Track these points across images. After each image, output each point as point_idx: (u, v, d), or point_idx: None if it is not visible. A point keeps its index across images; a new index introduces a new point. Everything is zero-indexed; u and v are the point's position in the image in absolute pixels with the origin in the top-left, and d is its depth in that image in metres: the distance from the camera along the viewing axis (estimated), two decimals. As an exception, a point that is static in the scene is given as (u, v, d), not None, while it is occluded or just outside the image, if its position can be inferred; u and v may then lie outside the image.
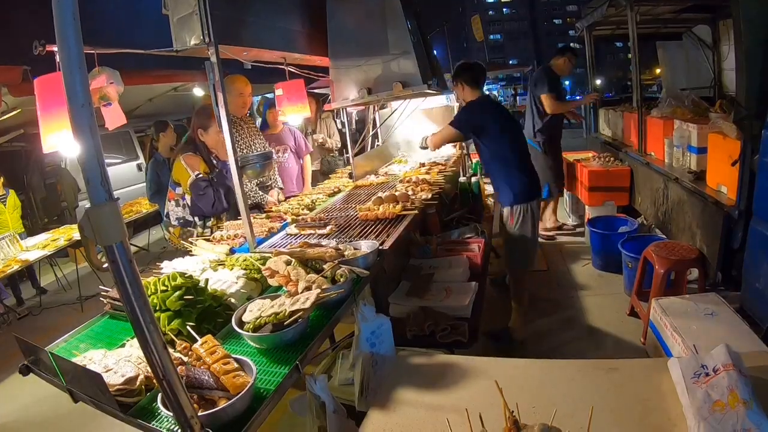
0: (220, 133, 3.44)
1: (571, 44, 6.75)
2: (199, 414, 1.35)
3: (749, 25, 3.18)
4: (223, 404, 1.43)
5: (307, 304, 1.82)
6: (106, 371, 1.63)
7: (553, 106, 5.95)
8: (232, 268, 2.48)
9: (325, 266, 2.23)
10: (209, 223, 3.64)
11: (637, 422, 1.55)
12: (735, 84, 3.60)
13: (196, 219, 3.62)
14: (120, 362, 1.71)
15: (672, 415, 1.55)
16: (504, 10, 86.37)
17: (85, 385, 1.63)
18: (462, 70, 4.03)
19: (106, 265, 1.29)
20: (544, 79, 6.00)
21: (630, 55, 5.89)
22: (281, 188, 4.81)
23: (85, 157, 1.12)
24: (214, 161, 3.62)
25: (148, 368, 1.28)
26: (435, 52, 5.46)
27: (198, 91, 6.03)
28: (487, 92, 4.48)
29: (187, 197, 3.57)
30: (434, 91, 3.63)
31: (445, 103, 6.09)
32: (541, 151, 6.16)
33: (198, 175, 3.46)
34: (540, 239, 6.54)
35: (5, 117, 6.20)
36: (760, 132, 3.08)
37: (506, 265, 4.34)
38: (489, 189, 5.26)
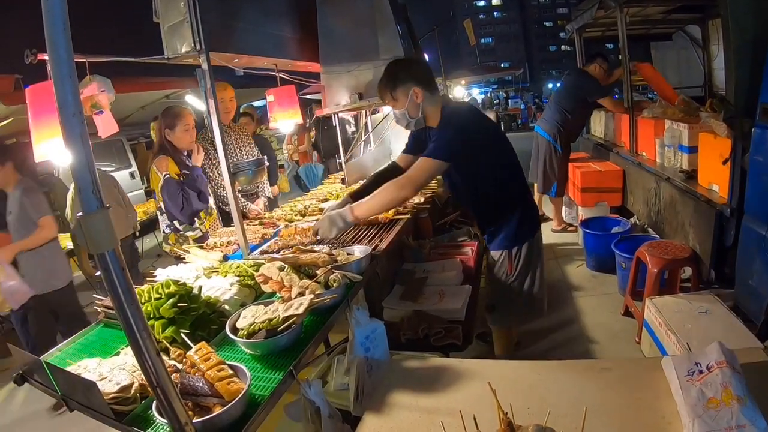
0: (186, 131, 3.44)
1: (563, 47, 6.81)
2: (194, 421, 1.35)
3: (737, 24, 3.20)
4: (217, 411, 1.43)
5: (301, 310, 1.82)
6: (101, 379, 1.63)
7: (616, 106, 6.08)
8: (225, 275, 2.47)
9: (318, 272, 2.23)
10: (197, 224, 3.61)
11: (632, 421, 1.55)
12: (724, 83, 3.62)
13: (176, 223, 3.57)
14: (114, 370, 1.70)
15: (666, 413, 1.55)
16: (495, 13, 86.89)
17: (79, 394, 1.62)
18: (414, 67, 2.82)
19: (98, 273, 1.30)
20: (593, 83, 6.02)
21: (621, 56, 5.91)
22: (269, 197, 4.77)
23: (76, 165, 1.12)
24: (188, 163, 3.58)
25: (143, 376, 1.29)
26: (426, 56, 5.46)
27: (191, 99, 6.01)
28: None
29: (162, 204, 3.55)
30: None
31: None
32: (560, 152, 6.21)
33: (166, 175, 3.39)
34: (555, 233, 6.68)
35: (-2, 126, 6.17)
36: (750, 130, 3.10)
37: (493, 318, 3.20)
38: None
